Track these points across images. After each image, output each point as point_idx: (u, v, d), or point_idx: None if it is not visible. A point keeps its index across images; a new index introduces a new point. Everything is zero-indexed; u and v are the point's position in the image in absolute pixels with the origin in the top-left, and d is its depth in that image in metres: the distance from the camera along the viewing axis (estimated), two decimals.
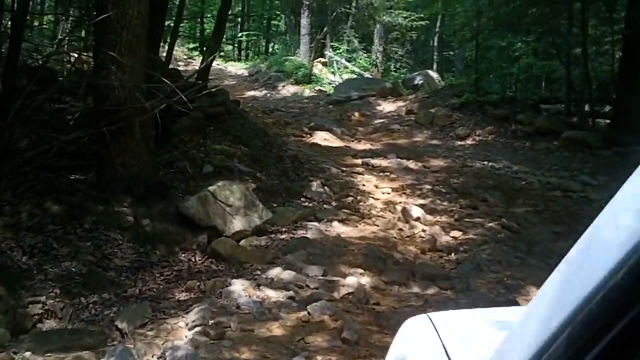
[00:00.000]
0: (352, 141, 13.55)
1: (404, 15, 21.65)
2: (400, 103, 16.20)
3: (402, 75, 21.70)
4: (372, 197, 9.04)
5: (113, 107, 6.16)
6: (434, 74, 19.19)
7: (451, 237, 7.33)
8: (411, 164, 11.41)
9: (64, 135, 6.53)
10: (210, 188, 6.64)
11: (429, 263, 6.45)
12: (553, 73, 19.03)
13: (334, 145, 12.75)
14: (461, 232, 7.44)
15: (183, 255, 6.17)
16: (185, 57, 27.75)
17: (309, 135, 13.29)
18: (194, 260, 6.11)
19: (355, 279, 5.67)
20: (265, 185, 8.44)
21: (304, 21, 22.65)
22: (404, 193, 9.49)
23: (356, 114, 15.60)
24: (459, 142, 13.47)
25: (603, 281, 0.68)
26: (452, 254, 6.71)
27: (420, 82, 18.08)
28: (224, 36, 32.95)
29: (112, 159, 6.28)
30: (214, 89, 12.53)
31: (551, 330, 0.76)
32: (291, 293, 5.30)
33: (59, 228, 5.75)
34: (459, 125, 14.09)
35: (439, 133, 14.08)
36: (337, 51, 24.13)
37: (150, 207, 6.44)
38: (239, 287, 5.34)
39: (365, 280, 5.74)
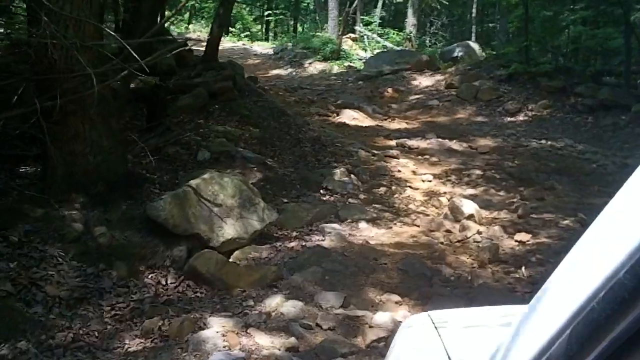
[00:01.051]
0: (385, 120, 11.60)
1: None
2: (439, 77, 14.12)
3: (439, 50, 19.49)
4: (410, 187, 7.15)
5: (53, 76, 4.36)
6: (474, 45, 16.98)
7: (517, 241, 5.38)
8: (455, 145, 9.46)
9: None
10: (193, 182, 4.83)
11: (491, 284, 4.51)
12: (606, 42, 16.59)
13: (363, 125, 10.84)
14: (530, 235, 5.48)
15: (151, 276, 4.38)
16: (209, 37, 25.88)
17: (335, 115, 11.39)
18: (164, 283, 4.32)
19: (389, 315, 3.80)
20: (276, 175, 6.60)
21: None
22: (449, 180, 7.59)
23: (389, 89, 13.60)
24: (509, 119, 11.41)
25: (605, 280, 0.65)
26: (522, 268, 4.77)
27: (460, 54, 15.93)
28: (252, 16, 31.26)
29: (58, 147, 4.51)
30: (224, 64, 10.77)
31: (553, 329, 0.74)
32: (292, 340, 3.48)
33: None
34: (508, 100, 12.00)
35: (484, 109, 12.02)
36: (369, 26, 22.12)
37: (110, 211, 4.67)
38: (216, 330, 3.54)
39: (404, 314, 3.87)
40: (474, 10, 22.84)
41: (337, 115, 11.37)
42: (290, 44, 20.85)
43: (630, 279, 0.62)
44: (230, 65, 10.12)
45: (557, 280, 0.83)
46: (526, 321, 0.88)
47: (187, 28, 26.68)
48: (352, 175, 7.07)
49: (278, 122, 8.73)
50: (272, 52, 21.04)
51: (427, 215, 6.11)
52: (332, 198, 6.31)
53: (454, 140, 9.76)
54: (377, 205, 6.21)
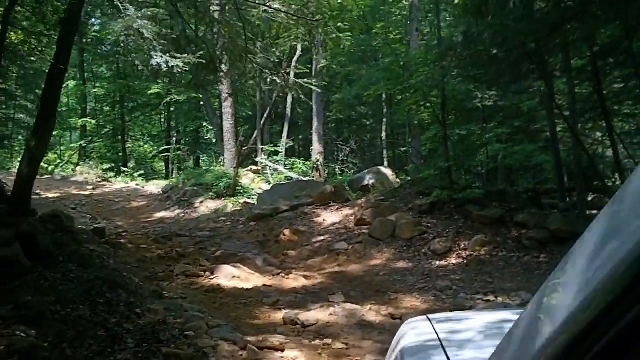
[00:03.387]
0: (278, 274, 8.42)
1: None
2: (347, 211, 11.26)
3: (347, 179, 16.91)
4: None
5: None
6: (387, 171, 14.44)
7: None
8: (370, 313, 6.36)
9: None
10: None
11: None
12: (528, 160, 14.63)
13: (245, 287, 7.63)
14: None
15: None
16: (98, 179, 22.56)
17: (209, 273, 8.15)
18: None
19: None
20: None
21: (227, 124, 18.01)
22: None
23: (286, 231, 10.54)
24: (438, 262, 8.49)
25: (603, 281, 0.64)
26: None
27: (371, 181, 13.28)
28: (151, 152, 28.29)
29: None
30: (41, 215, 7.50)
31: (551, 330, 0.74)
32: None
33: None
34: (434, 236, 9.15)
35: (405, 250, 9.09)
36: (274, 157, 19.57)
37: None
38: None
39: None
40: (383, 134, 20.77)
41: (212, 273, 8.14)
42: (181, 181, 17.81)
43: (629, 280, 0.61)
44: (38, 219, 6.85)
45: (554, 281, 0.81)
46: (524, 323, 0.87)
47: (74, 170, 23.40)
48: None
49: (94, 306, 5.38)
50: (162, 192, 17.94)
51: None
52: None
53: (369, 304, 6.69)
54: None
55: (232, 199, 15.04)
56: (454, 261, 8.42)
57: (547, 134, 16.56)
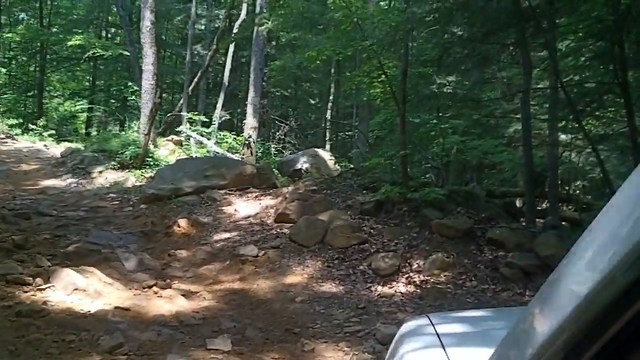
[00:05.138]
0: (149, 288, 5.56)
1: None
2: (268, 201, 8.47)
3: (277, 159, 14.04)
4: None
5: None
6: (325, 154, 11.70)
7: None
8: None
9: None
10: None
11: None
12: (486, 157, 12.34)
13: (85, 310, 4.77)
14: None
15: None
16: (1, 135, 19.07)
17: (42, 280, 5.24)
18: None
19: None
20: None
21: (147, 83, 14.86)
22: None
23: (182, 221, 7.63)
24: (381, 289, 5.81)
25: (601, 281, 0.63)
26: None
27: (305, 165, 10.55)
28: (71, 111, 24.70)
29: None
30: None
31: (550, 329, 0.72)
32: None
33: None
34: (378, 249, 6.46)
35: (337, 265, 6.37)
36: (199, 129, 16.52)
37: None
38: None
39: None
40: (328, 114, 18.03)
41: (46, 281, 5.24)
42: (84, 146, 14.65)
43: (626, 280, 0.60)
44: None
45: (553, 281, 0.79)
46: (524, 322, 0.84)
47: None
48: None
49: None
50: (59, 156, 14.71)
51: None
52: None
53: (271, 354, 3.99)
54: None
55: (138, 171, 12.06)
56: (402, 288, 5.78)
57: (510, 130, 14.39)
